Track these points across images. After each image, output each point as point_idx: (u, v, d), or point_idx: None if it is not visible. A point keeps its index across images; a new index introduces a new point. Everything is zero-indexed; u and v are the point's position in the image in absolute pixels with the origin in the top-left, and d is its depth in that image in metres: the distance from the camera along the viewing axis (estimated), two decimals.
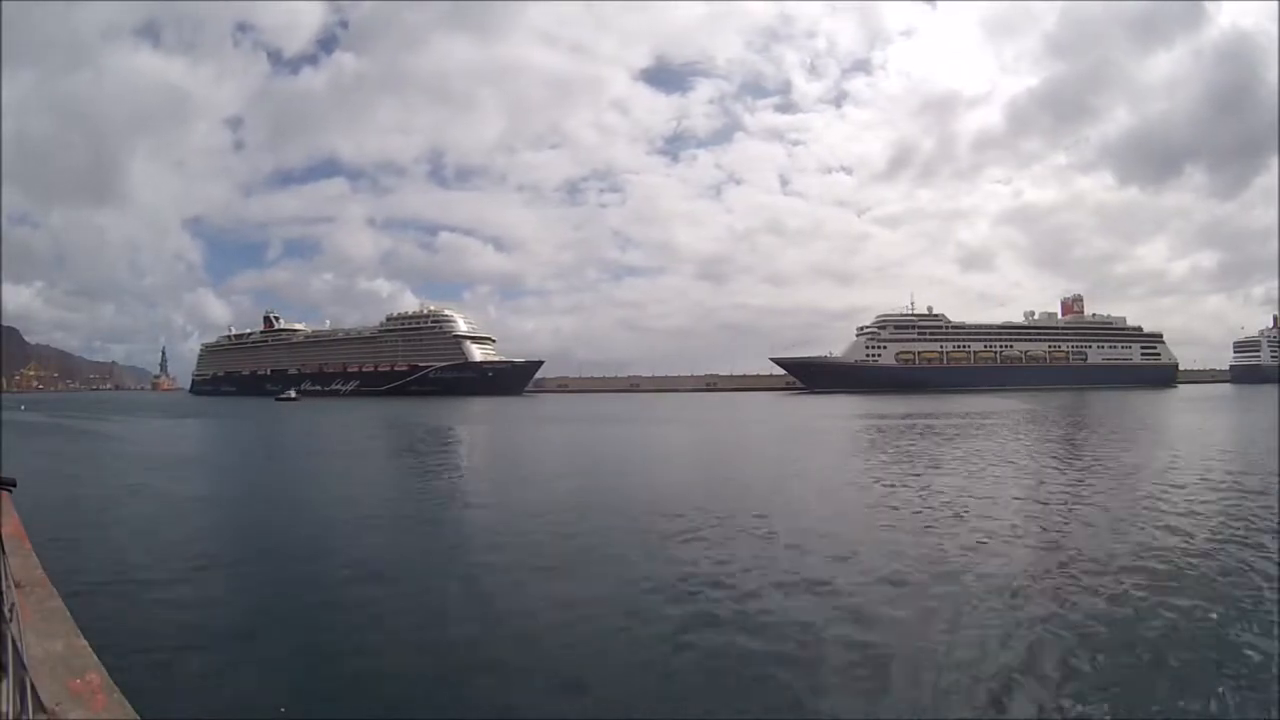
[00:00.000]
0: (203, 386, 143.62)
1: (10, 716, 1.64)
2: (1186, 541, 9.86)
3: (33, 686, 1.79)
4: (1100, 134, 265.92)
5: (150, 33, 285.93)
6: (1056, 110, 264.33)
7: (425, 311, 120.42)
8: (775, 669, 5.96)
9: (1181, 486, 14.38)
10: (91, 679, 2.00)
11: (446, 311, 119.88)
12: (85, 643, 2.23)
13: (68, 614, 2.45)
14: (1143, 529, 10.77)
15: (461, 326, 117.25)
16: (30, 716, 1.72)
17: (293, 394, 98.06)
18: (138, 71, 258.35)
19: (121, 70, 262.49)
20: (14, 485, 3.48)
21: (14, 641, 1.80)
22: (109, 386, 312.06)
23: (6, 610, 1.93)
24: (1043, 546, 10.05)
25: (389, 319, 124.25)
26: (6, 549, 2.50)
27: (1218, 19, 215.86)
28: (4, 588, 2.11)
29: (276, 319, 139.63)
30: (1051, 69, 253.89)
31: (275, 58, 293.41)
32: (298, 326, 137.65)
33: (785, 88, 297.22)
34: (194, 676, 5.86)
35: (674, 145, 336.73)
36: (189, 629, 6.93)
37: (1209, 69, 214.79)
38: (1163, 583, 7.94)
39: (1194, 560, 8.85)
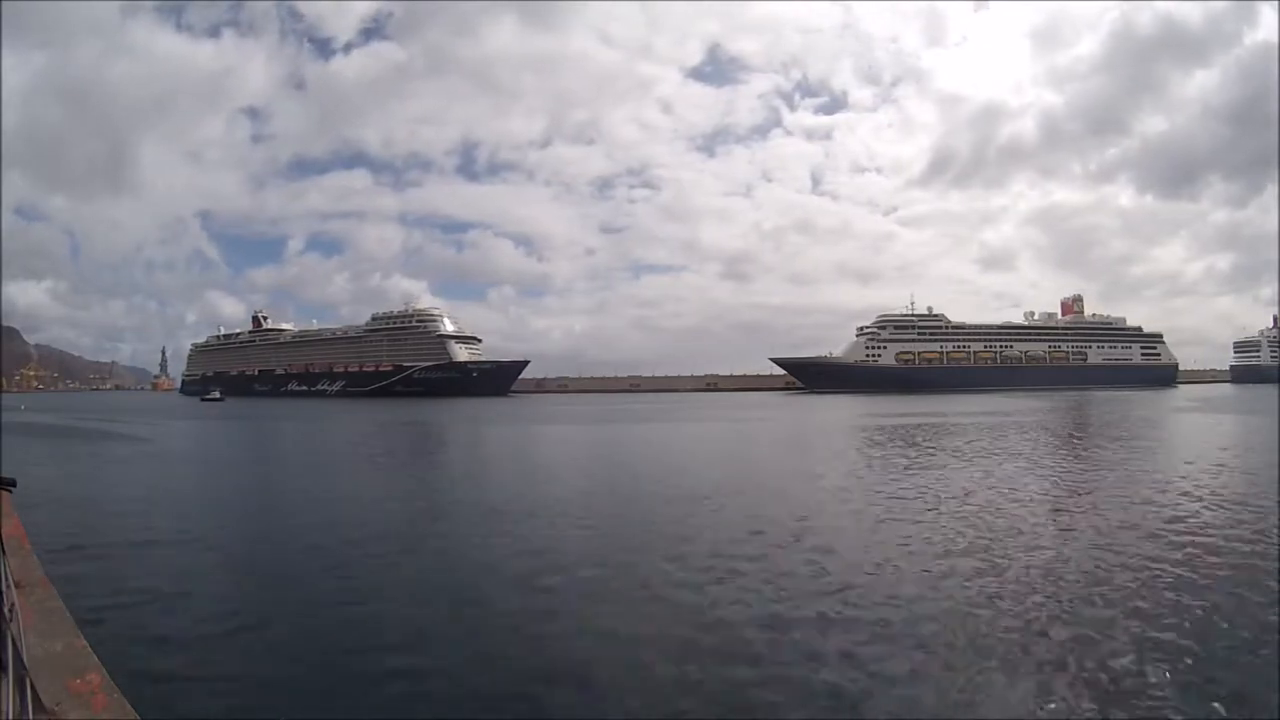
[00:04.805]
0: (192, 387, 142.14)
1: (10, 716, 1.65)
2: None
3: (33, 686, 1.80)
4: (1124, 147, 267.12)
5: (173, 12, 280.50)
6: (1090, 123, 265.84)
7: (410, 310, 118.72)
8: None
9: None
10: (91, 679, 2.00)
11: (433, 311, 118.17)
12: (85, 643, 2.23)
13: (68, 614, 2.44)
14: (1142, 531, 10.67)
15: (446, 326, 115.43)
16: (30, 716, 1.72)
17: (217, 394, 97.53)
18: (159, 56, 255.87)
19: (141, 52, 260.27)
20: (14, 485, 3.30)
21: (14, 641, 1.81)
22: (109, 386, 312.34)
23: (6, 610, 1.94)
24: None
25: (374, 318, 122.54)
26: (6, 549, 2.48)
27: (1254, 34, 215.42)
28: (4, 588, 2.11)
29: (265, 319, 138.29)
30: (1092, 82, 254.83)
31: (321, 46, 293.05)
32: (285, 326, 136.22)
33: (833, 89, 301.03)
34: (194, 677, 5.79)
35: (713, 141, 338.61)
36: (188, 629, 6.89)
37: (1233, 82, 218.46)
38: (1163, 583, 8.02)
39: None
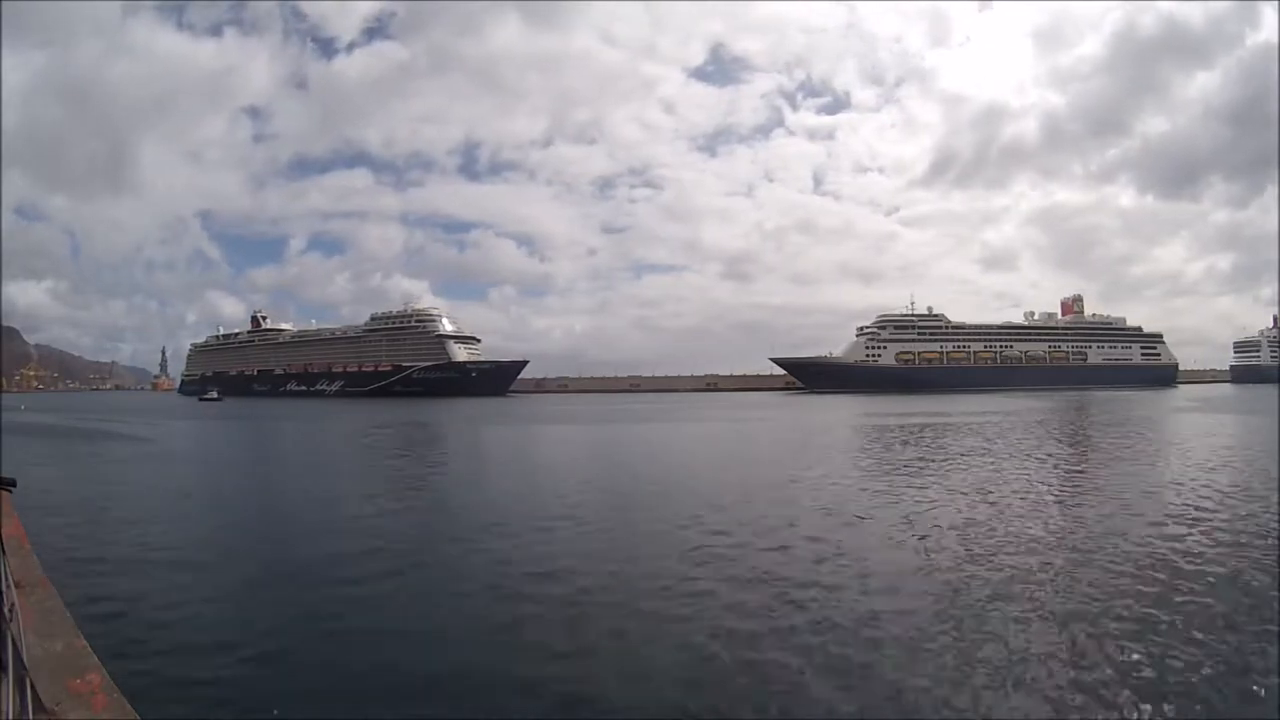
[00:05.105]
0: (191, 387, 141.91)
1: (10, 716, 1.65)
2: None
3: (33, 686, 1.80)
4: (1125, 148, 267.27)
5: (175, 11, 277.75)
6: (1091, 124, 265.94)
7: (409, 310, 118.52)
8: None
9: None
10: (91, 679, 2.00)
11: (432, 311, 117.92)
12: (85, 643, 2.24)
13: (68, 614, 2.45)
14: (1143, 531, 10.63)
15: (445, 326, 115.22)
16: (30, 716, 1.73)
17: (214, 394, 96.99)
18: (160, 55, 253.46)
19: (142, 51, 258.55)
20: (14, 485, 3.31)
21: (14, 641, 1.81)
22: (109, 386, 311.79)
23: (6, 610, 1.95)
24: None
25: (373, 318, 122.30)
26: (6, 549, 2.48)
27: (1255, 35, 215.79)
28: (4, 588, 2.11)
29: (264, 319, 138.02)
30: (1094, 83, 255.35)
31: (324, 45, 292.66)
32: (284, 326, 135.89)
33: (836, 89, 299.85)
34: (194, 678, 5.78)
35: (715, 141, 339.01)
36: (189, 630, 6.89)
37: (1234, 83, 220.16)
38: (1163, 582, 8.00)
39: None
